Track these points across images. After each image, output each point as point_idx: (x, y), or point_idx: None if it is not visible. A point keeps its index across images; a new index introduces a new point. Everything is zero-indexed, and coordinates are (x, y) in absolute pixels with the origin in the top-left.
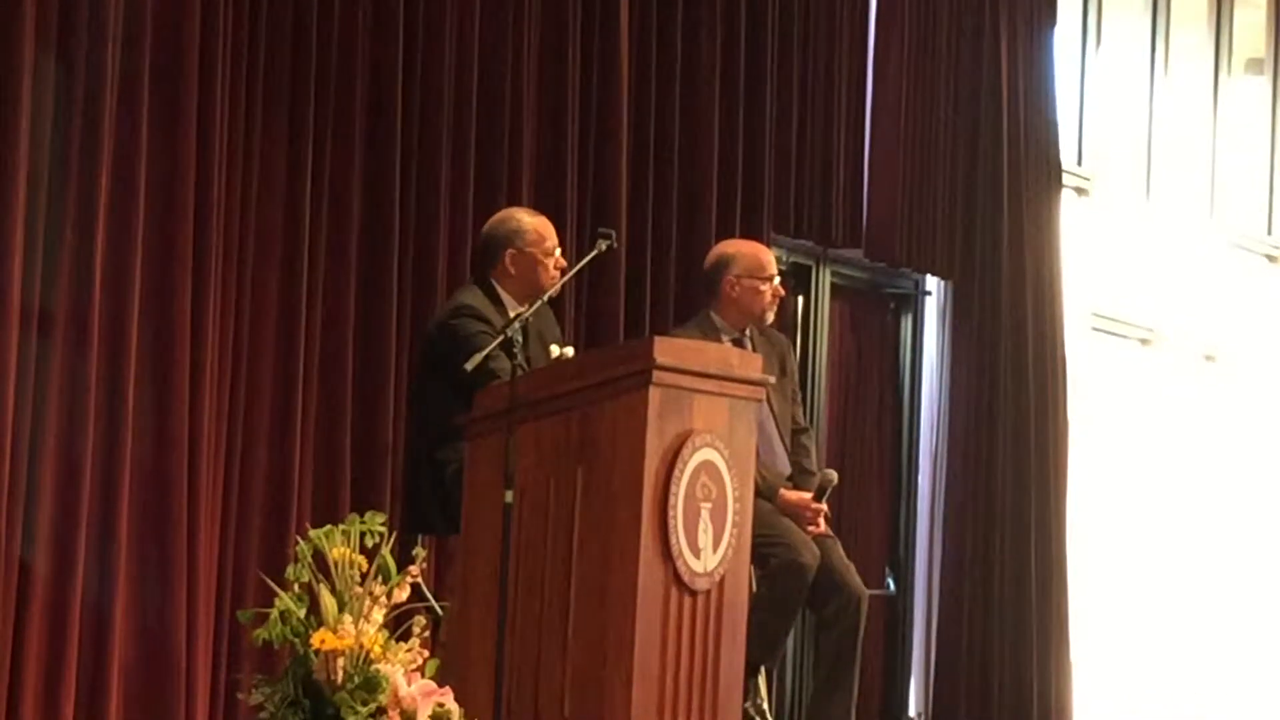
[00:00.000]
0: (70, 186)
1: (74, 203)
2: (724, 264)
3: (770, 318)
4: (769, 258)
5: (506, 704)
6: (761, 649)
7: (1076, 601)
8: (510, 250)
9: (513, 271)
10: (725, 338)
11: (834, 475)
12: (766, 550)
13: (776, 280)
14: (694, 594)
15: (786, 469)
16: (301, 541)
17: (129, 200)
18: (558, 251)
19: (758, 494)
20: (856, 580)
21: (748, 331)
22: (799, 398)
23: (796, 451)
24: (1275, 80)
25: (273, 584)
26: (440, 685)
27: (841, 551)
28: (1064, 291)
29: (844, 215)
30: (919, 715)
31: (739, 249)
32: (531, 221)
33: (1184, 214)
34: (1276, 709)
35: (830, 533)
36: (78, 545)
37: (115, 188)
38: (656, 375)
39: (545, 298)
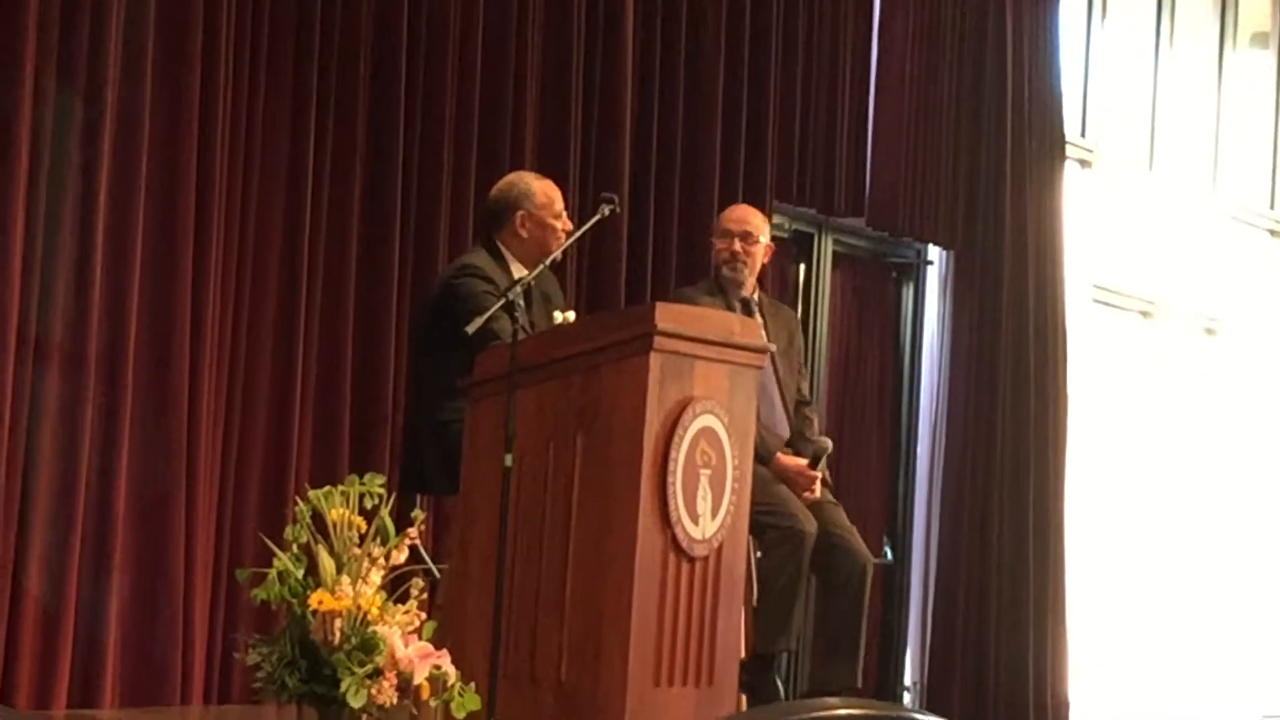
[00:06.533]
0: (71, 161)
1: (75, 173)
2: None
3: (729, 276)
4: (735, 214)
5: (503, 667)
6: (775, 631)
7: (1074, 573)
8: (520, 213)
9: (523, 234)
10: (733, 299)
11: (828, 443)
12: (765, 520)
13: (758, 241)
14: (692, 560)
15: (787, 433)
16: (300, 502)
17: (130, 171)
18: (565, 215)
19: (755, 455)
20: (861, 545)
21: (756, 297)
22: (804, 371)
23: (800, 423)
24: None
25: (271, 544)
26: (437, 647)
27: (844, 516)
28: (1065, 263)
29: (846, 183)
30: (914, 684)
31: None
32: (540, 185)
33: (1186, 187)
34: (1274, 682)
35: (832, 498)
36: (76, 504)
37: (116, 160)
38: (658, 341)
39: (549, 261)
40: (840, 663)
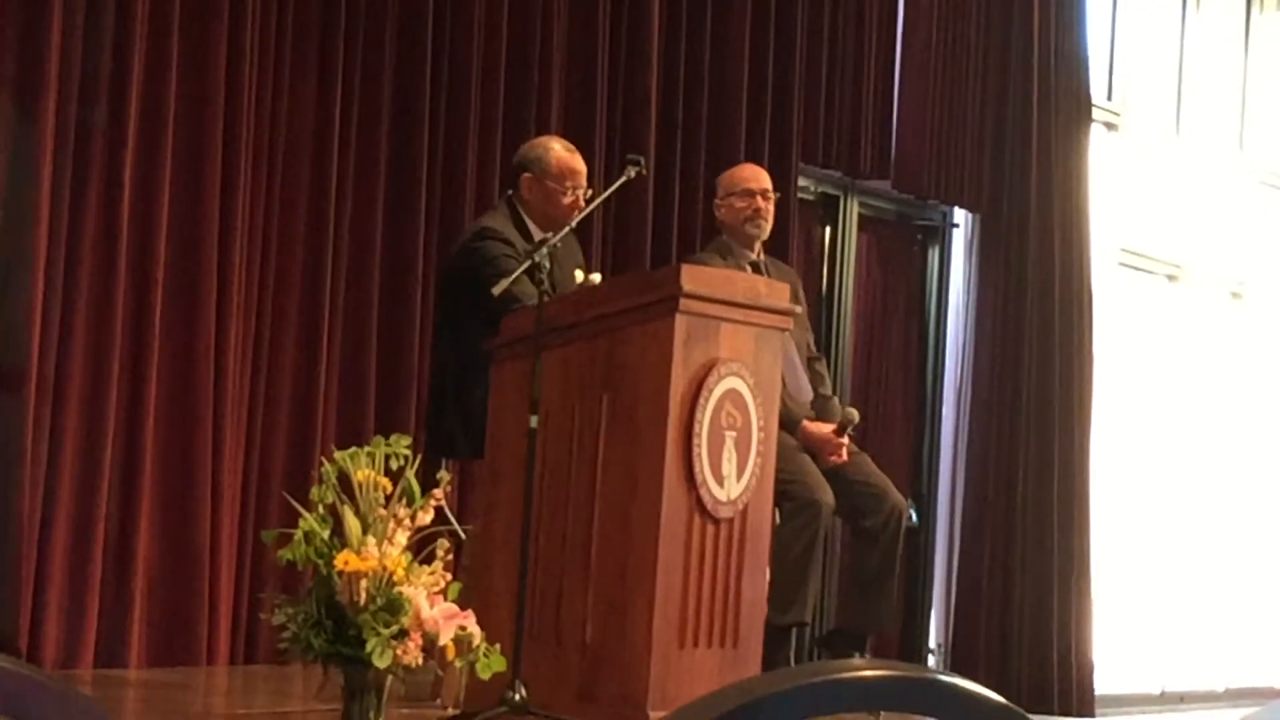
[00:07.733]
0: (98, 130)
1: (101, 141)
2: (716, 188)
3: (754, 233)
4: (750, 172)
5: (528, 628)
6: (787, 602)
7: (1098, 537)
8: (527, 175)
9: (526, 197)
10: (742, 261)
11: (855, 414)
12: (783, 488)
13: (771, 196)
14: (717, 522)
15: (809, 393)
16: (326, 463)
17: (156, 140)
18: (581, 192)
19: (780, 424)
20: (896, 492)
21: (761, 258)
22: (808, 325)
23: (813, 379)
24: None
25: (297, 505)
26: (462, 608)
27: (873, 464)
28: (1091, 226)
29: (872, 146)
30: (939, 646)
31: (727, 172)
32: (558, 155)
33: (1213, 150)
34: None
35: (856, 450)
36: (103, 464)
37: (142, 128)
38: (683, 303)
39: (572, 224)
40: (880, 600)
